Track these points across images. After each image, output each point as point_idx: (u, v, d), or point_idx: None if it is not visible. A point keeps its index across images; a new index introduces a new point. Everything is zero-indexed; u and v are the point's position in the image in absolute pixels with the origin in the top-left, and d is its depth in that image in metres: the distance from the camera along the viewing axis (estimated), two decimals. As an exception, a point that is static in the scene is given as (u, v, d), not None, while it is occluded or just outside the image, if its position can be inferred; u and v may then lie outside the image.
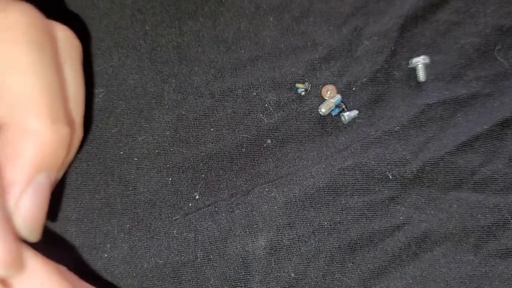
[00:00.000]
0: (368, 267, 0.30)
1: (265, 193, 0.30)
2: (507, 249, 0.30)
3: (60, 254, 0.29)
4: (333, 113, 0.32)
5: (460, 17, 0.34)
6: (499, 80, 0.33)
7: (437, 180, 0.31)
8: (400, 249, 0.30)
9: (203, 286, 0.29)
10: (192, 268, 0.29)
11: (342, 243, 0.30)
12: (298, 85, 0.32)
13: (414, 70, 0.33)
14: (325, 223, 0.30)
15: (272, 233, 0.30)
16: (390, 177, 0.31)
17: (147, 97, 0.32)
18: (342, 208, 0.30)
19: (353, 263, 0.30)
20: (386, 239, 0.30)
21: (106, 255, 0.29)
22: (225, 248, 0.29)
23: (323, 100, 0.32)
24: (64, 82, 0.25)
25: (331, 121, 0.32)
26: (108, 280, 0.29)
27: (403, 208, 0.31)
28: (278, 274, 0.29)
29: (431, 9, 0.34)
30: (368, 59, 0.33)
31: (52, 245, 0.29)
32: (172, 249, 0.29)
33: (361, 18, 0.34)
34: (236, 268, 0.29)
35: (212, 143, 0.31)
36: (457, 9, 0.35)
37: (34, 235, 0.23)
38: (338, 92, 0.32)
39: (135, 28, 0.32)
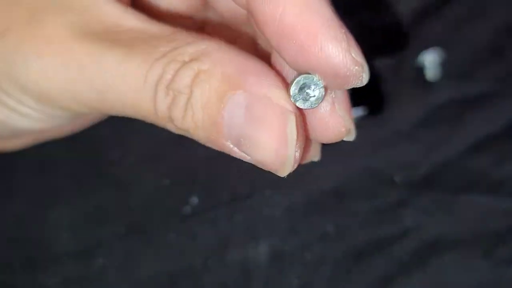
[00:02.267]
0: (375, 275, 0.29)
1: (266, 197, 0.30)
2: (520, 255, 0.30)
3: (51, 261, 0.29)
4: None
5: (471, 13, 0.34)
6: (510, 79, 0.33)
7: (447, 183, 0.31)
8: (408, 255, 0.30)
9: (202, 294, 0.29)
10: (190, 276, 0.29)
11: (348, 249, 0.30)
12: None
13: (422, 68, 0.33)
14: (330, 229, 0.30)
15: (274, 239, 0.30)
16: (398, 180, 0.31)
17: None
18: (347, 213, 0.30)
19: (359, 270, 0.29)
20: (393, 245, 0.30)
21: (100, 261, 0.29)
22: (225, 254, 0.29)
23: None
24: None
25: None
26: (102, 288, 0.29)
27: (411, 213, 0.30)
28: (280, 282, 0.29)
29: (440, 4, 0.34)
30: (374, 56, 0.33)
31: (42, 251, 0.29)
32: (169, 256, 0.29)
33: (369, 14, 0.34)
34: (236, 276, 0.29)
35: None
36: (468, 5, 0.34)
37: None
38: None
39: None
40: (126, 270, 0.29)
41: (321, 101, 0.19)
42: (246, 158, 0.19)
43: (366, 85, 0.33)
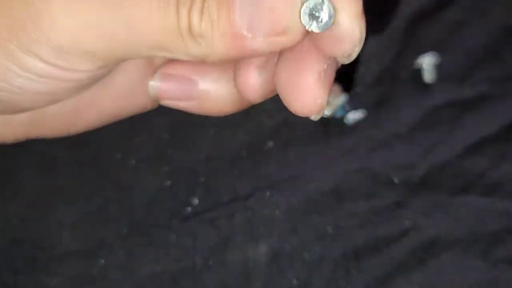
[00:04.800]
0: (374, 274, 0.29)
1: (266, 197, 0.30)
2: (517, 255, 0.30)
3: (54, 261, 0.29)
4: (338, 115, 0.32)
5: (467, 17, 0.34)
6: (506, 82, 0.33)
7: (444, 184, 0.31)
8: (406, 255, 0.30)
9: (202, 294, 0.29)
10: (191, 275, 0.29)
11: (347, 249, 0.30)
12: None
13: (420, 70, 0.33)
14: (329, 229, 0.30)
15: (273, 239, 0.30)
16: (396, 181, 0.31)
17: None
18: (346, 213, 0.30)
19: (358, 270, 0.29)
20: (391, 245, 0.30)
21: (102, 261, 0.29)
22: (225, 254, 0.29)
23: (326, 100, 0.32)
24: None
25: (335, 123, 0.32)
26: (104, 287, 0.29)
27: (409, 213, 0.30)
28: (280, 281, 0.29)
29: (438, 7, 0.34)
30: (373, 59, 0.33)
31: (45, 250, 0.29)
32: (170, 256, 0.29)
33: (366, 16, 0.34)
34: (237, 275, 0.29)
35: (211, 146, 0.31)
36: (464, 8, 0.34)
37: None
38: (342, 93, 0.32)
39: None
40: (128, 270, 0.29)
41: (333, 21, 0.18)
42: (260, 46, 0.19)
43: (365, 87, 0.33)
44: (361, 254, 0.30)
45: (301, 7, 0.18)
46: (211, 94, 0.25)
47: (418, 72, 0.33)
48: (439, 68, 0.33)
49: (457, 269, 0.30)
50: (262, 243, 0.30)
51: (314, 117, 0.21)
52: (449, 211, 0.31)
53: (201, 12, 0.18)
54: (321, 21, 0.18)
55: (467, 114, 0.32)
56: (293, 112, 0.20)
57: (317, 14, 0.18)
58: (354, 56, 0.19)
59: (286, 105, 0.21)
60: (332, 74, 0.21)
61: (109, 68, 0.22)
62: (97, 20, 0.19)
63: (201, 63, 0.24)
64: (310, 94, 0.20)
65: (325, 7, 0.18)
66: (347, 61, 0.20)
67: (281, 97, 0.21)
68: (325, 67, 0.20)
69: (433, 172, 0.31)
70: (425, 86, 0.33)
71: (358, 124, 0.32)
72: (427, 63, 0.33)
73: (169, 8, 0.18)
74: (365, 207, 0.30)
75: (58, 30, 0.19)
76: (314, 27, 0.18)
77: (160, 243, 0.30)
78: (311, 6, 0.18)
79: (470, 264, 0.30)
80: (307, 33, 0.19)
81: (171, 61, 0.23)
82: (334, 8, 0.18)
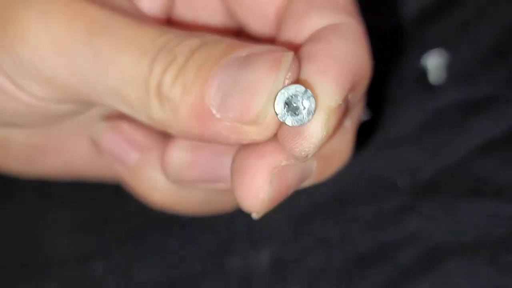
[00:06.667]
0: (378, 281, 0.29)
1: (268, 202, 0.30)
2: (525, 261, 0.30)
3: (50, 266, 0.29)
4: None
5: (474, 17, 0.34)
6: (513, 83, 0.33)
7: (450, 188, 0.31)
8: (411, 261, 0.29)
9: (202, 301, 0.29)
10: (190, 282, 0.29)
11: (350, 255, 0.29)
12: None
13: (426, 71, 0.33)
14: (332, 234, 0.30)
15: (275, 245, 0.29)
16: (401, 185, 0.31)
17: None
18: (349, 218, 0.30)
19: (361, 276, 0.29)
20: (396, 250, 0.30)
21: (100, 266, 0.29)
22: (225, 261, 0.29)
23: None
24: None
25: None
26: (102, 294, 0.29)
27: (414, 218, 0.30)
28: (281, 288, 0.29)
29: (443, 7, 0.34)
30: (377, 58, 0.33)
31: (41, 255, 0.29)
32: (169, 262, 0.29)
33: (371, 15, 0.34)
34: (237, 282, 0.29)
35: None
36: (471, 8, 0.34)
37: None
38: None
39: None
40: (126, 275, 0.29)
41: (313, 115, 0.16)
42: (225, 131, 0.17)
43: (369, 88, 0.33)
44: (365, 260, 0.29)
45: (278, 93, 0.15)
46: (143, 172, 0.23)
47: (423, 73, 0.33)
48: (445, 69, 0.33)
49: (463, 275, 0.29)
50: (263, 249, 0.29)
51: (254, 215, 0.18)
52: (456, 215, 0.30)
53: (177, 75, 0.16)
54: (297, 114, 0.16)
55: (474, 116, 0.32)
56: (237, 201, 0.18)
57: (294, 104, 0.16)
58: (309, 157, 0.17)
59: (232, 189, 0.18)
60: (289, 178, 0.18)
61: (65, 109, 0.20)
62: (68, 43, 0.17)
63: (155, 137, 0.21)
64: (255, 185, 0.17)
65: (305, 98, 0.16)
66: (301, 161, 0.17)
67: (231, 180, 0.18)
68: (283, 165, 0.17)
69: (439, 176, 0.31)
70: (431, 87, 0.33)
71: (362, 126, 0.32)
72: (433, 64, 0.33)
73: (143, 59, 0.16)
74: (369, 211, 0.30)
75: (24, 42, 0.17)
76: (288, 119, 0.16)
77: (159, 249, 0.29)
78: (290, 94, 0.16)
79: (477, 269, 0.29)
80: (279, 127, 0.16)
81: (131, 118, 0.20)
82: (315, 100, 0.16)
